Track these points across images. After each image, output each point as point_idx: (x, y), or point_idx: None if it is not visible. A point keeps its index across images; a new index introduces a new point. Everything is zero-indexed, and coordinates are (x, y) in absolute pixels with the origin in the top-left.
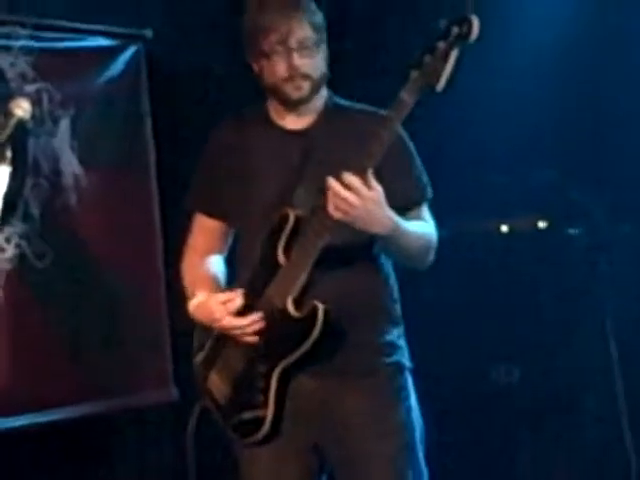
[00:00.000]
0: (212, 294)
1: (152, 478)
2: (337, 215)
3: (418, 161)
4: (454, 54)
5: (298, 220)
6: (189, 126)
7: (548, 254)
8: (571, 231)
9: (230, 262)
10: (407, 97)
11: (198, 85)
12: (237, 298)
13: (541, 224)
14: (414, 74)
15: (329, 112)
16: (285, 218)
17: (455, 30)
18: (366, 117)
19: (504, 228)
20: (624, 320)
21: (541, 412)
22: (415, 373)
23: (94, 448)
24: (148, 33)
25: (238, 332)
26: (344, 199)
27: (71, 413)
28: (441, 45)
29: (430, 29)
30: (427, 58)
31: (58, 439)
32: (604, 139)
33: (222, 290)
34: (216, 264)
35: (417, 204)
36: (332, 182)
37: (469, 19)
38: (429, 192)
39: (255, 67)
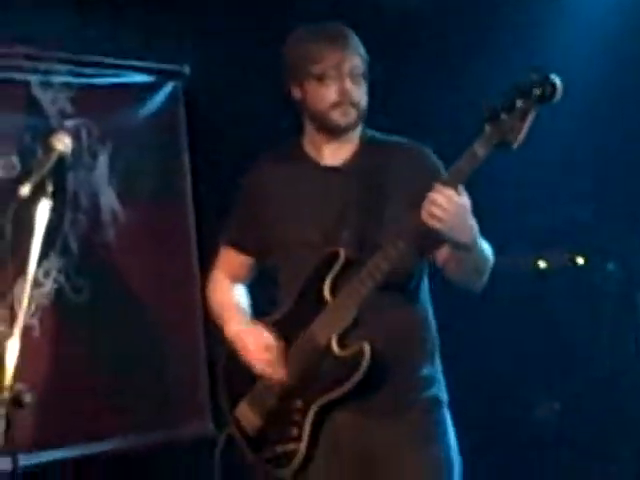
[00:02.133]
0: (255, 328)
1: None
2: (431, 222)
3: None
4: (532, 114)
5: (348, 259)
6: (226, 162)
7: (586, 289)
8: (608, 266)
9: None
10: (480, 151)
11: (235, 121)
12: (273, 350)
13: (579, 260)
14: (489, 129)
15: (365, 146)
16: (335, 256)
17: (537, 91)
18: (404, 151)
19: (542, 264)
20: None
21: (581, 448)
22: (453, 409)
23: None
24: (186, 69)
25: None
26: (439, 205)
27: (110, 446)
28: (520, 104)
29: (510, 86)
30: (504, 115)
31: (98, 472)
32: (639, 175)
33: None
34: (240, 292)
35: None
36: (431, 194)
37: (552, 82)
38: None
39: (298, 93)
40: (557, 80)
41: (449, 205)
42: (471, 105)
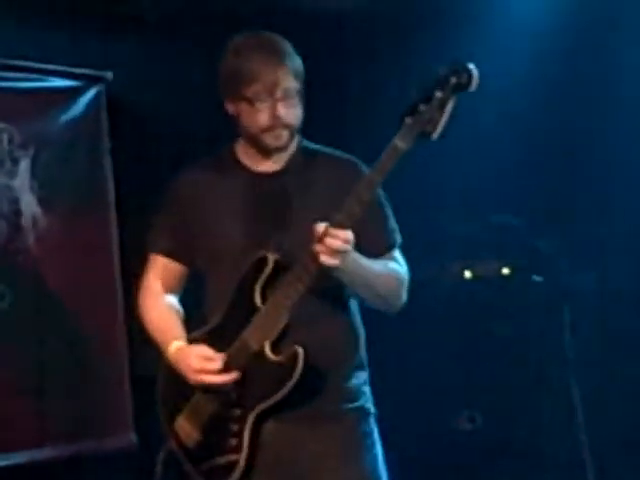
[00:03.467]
0: (195, 346)
1: None
2: (331, 262)
3: (387, 207)
4: (451, 104)
5: (277, 264)
6: (149, 167)
7: (511, 301)
8: (535, 278)
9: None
10: (401, 143)
11: (158, 126)
12: (218, 361)
13: (505, 270)
14: (408, 121)
15: (300, 156)
16: (263, 261)
17: (453, 80)
18: (338, 163)
19: (467, 274)
20: (587, 367)
21: (504, 459)
22: (379, 420)
23: None
24: (109, 75)
25: (214, 388)
26: (340, 248)
27: (33, 457)
28: (438, 94)
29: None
30: (423, 106)
31: None
32: (569, 187)
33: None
34: (175, 305)
35: (388, 250)
36: (331, 231)
37: (469, 69)
38: (398, 238)
39: (231, 109)
40: (473, 68)
41: (348, 247)
42: (397, 103)
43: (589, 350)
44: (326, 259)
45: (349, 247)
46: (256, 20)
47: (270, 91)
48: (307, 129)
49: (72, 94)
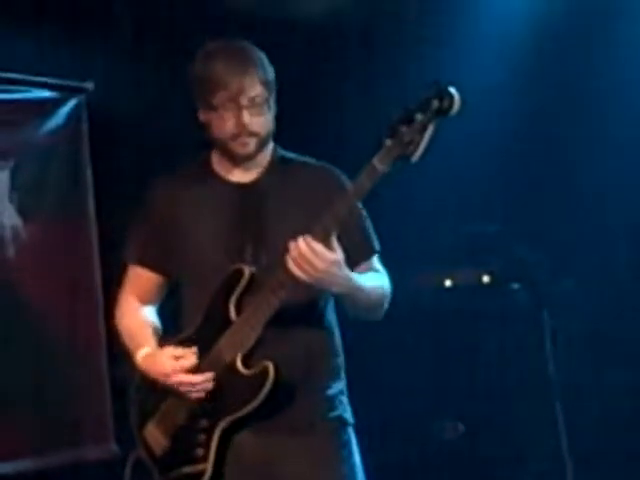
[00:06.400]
0: (165, 348)
1: None
2: (302, 277)
3: (365, 215)
4: (431, 127)
5: (252, 277)
6: (129, 178)
7: (492, 308)
8: (514, 286)
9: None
10: (380, 165)
11: (139, 136)
12: (191, 356)
13: (485, 278)
14: (388, 143)
15: (275, 165)
16: (239, 274)
17: (435, 104)
18: (314, 172)
19: (448, 282)
20: (568, 374)
21: (487, 467)
22: (358, 430)
23: None
24: (90, 85)
25: (187, 389)
26: (309, 262)
27: (7, 469)
28: (419, 117)
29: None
30: (403, 128)
31: None
32: (548, 196)
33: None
34: (152, 314)
35: (367, 258)
36: (299, 245)
37: (451, 93)
38: (377, 245)
39: (202, 117)
40: (455, 92)
41: (319, 262)
42: (371, 119)
43: (570, 356)
44: (299, 274)
45: (323, 263)
46: (231, 28)
47: (235, 99)
48: (279, 138)
49: (52, 105)
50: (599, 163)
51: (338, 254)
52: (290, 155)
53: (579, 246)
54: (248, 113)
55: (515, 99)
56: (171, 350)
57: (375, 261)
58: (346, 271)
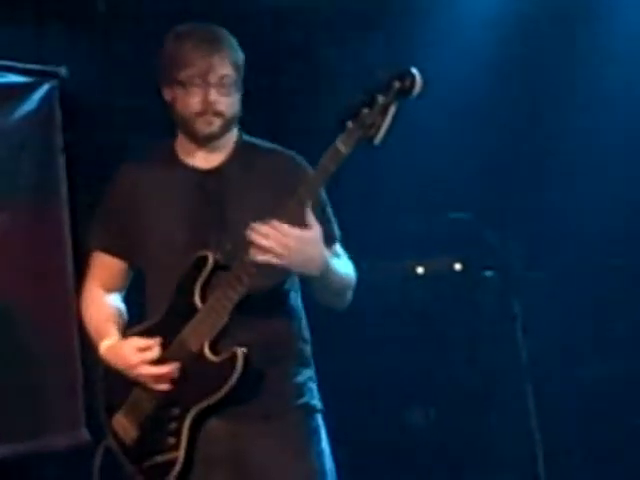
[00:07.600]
0: (128, 339)
1: None
2: (260, 257)
3: (327, 201)
4: (393, 108)
5: (217, 263)
6: (102, 163)
7: (464, 296)
8: (486, 273)
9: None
10: (343, 148)
11: (112, 123)
12: (155, 348)
13: (457, 266)
14: (350, 125)
15: (240, 151)
16: (203, 260)
17: (396, 84)
18: (278, 157)
19: (420, 270)
20: (538, 361)
21: (457, 454)
22: (327, 416)
23: None
24: (63, 70)
25: (152, 380)
26: (279, 243)
27: None
28: (380, 99)
29: (369, 80)
30: (365, 110)
31: None
32: (521, 184)
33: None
34: (117, 303)
35: (330, 245)
36: (259, 228)
37: (412, 74)
38: (338, 232)
39: (168, 96)
40: (416, 72)
41: (294, 241)
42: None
43: (540, 344)
44: (262, 258)
45: (284, 249)
46: (210, 15)
47: (204, 76)
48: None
49: (25, 90)
50: (573, 153)
51: (315, 229)
52: (255, 141)
53: (551, 234)
54: (216, 91)
55: (488, 89)
56: (135, 341)
57: (338, 248)
58: (323, 250)
